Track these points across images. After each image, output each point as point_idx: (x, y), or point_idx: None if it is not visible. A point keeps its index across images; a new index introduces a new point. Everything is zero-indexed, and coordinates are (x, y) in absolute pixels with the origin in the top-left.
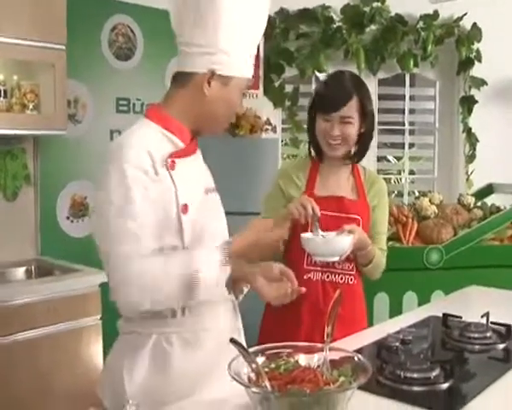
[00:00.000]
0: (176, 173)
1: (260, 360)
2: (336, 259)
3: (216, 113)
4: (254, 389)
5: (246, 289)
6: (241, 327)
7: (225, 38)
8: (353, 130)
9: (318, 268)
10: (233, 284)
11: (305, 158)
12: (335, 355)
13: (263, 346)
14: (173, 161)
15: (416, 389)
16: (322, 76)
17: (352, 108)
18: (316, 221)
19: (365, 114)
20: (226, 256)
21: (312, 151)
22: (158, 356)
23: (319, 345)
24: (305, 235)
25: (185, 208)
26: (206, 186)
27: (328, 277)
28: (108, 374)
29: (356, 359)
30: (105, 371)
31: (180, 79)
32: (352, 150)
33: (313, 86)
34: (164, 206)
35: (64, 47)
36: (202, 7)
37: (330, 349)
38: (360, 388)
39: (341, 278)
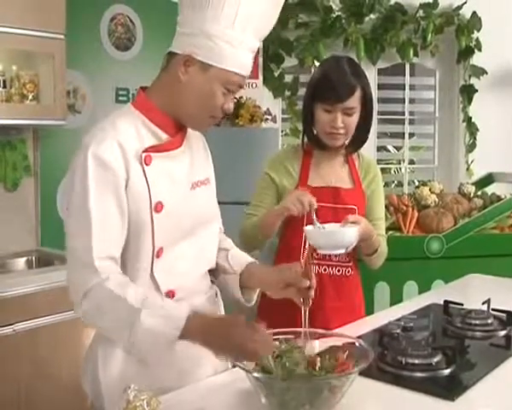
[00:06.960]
0: (151, 169)
1: None
2: (342, 251)
3: (190, 103)
4: (256, 375)
5: (255, 295)
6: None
7: (212, 20)
8: (355, 120)
9: (315, 261)
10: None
11: (295, 147)
12: (337, 341)
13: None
14: (149, 156)
15: (417, 375)
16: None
17: (355, 99)
18: (313, 213)
19: (366, 103)
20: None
21: (306, 140)
22: None
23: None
24: (310, 227)
25: (159, 207)
26: (194, 180)
27: (325, 270)
28: (87, 361)
29: (357, 344)
30: (85, 358)
31: (165, 60)
32: (349, 139)
33: None
34: (136, 204)
35: (63, 37)
36: None
37: (332, 335)
38: (361, 374)
39: (338, 271)
